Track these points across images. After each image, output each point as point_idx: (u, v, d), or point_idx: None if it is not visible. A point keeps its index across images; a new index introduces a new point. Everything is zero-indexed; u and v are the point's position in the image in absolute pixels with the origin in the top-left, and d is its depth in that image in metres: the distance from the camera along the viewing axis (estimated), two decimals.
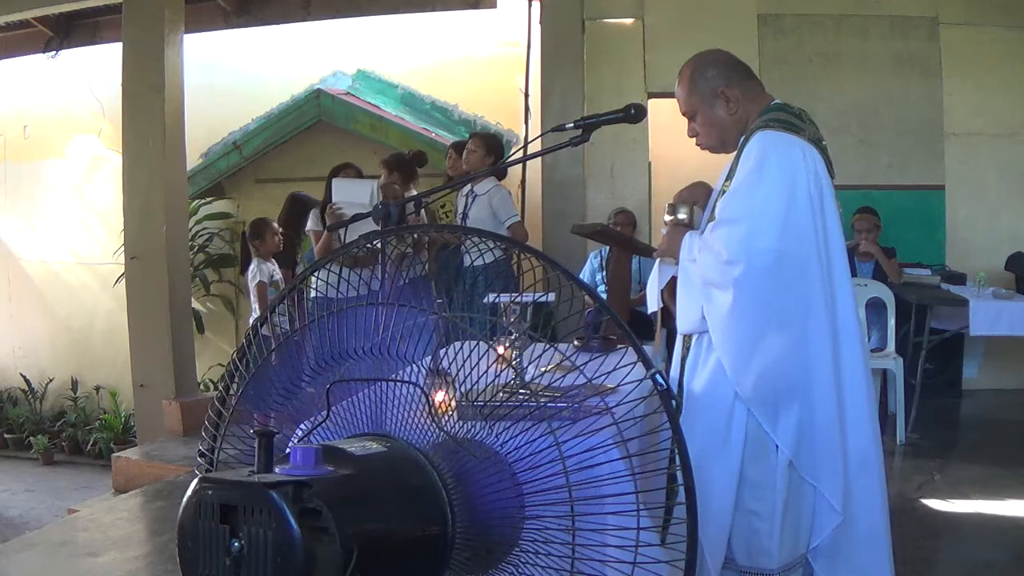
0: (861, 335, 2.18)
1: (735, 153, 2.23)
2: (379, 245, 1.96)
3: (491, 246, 1.69)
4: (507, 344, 2.08)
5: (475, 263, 4.35)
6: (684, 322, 2.23)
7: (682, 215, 2.29)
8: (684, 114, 2.31)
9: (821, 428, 2.08)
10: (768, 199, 2.06)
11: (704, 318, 2.14)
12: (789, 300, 2.05)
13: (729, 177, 2.20)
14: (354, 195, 4.78)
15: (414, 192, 5.63)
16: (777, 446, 2.10)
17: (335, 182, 4.99)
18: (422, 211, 5.21)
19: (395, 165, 5.43)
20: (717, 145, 2.30)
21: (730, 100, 2.22)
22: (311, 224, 5.21)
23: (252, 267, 5.58)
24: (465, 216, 5.16)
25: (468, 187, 5.18)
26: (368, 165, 5.67)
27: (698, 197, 2.34)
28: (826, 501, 2.10)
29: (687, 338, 2.28)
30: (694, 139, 2.32)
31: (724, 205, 2.14)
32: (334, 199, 4.87)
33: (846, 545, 2.13)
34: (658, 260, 2.35)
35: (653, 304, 2.39)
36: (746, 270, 2.03)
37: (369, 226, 2.02)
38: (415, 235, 4.17)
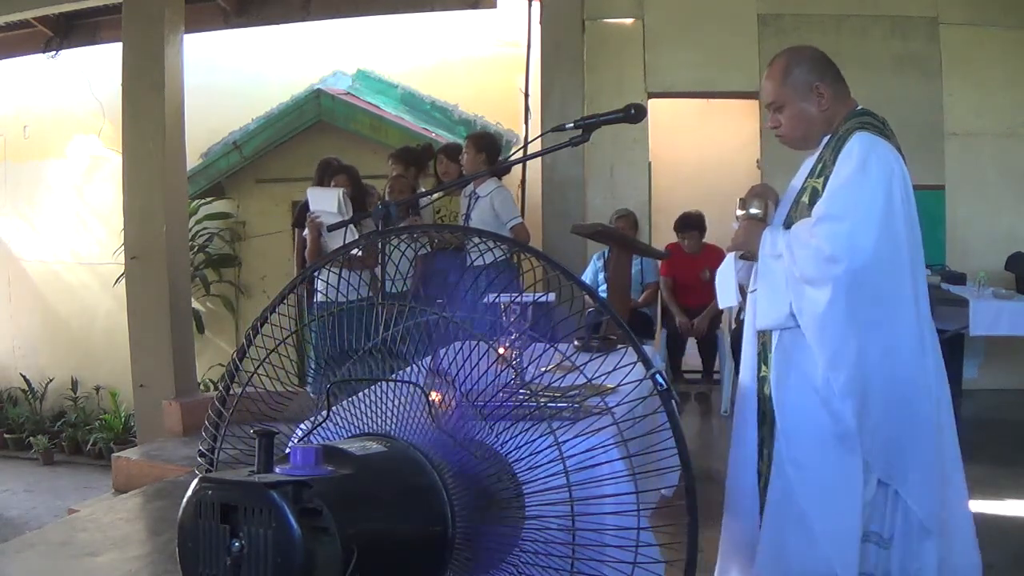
0: (937, 342, 2.19)
1: (817, 151, 2.24)
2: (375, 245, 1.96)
3: (491, 246, 1.69)
4: (507, 344, 2.08)
5: (475, 263, 4.34)
6: (766, 318, 2.21)
7: (755, 210, 2.27)
8: (768, 105, 2.29)
9: (920, 440, 2.07)
10: (870, 199, 2.07)
11: (791, 315, 2.13)
12: (884, 301, 2.07)
13: (814, 175, 2.21)
14: (324, 203, 4.91)
15: (422, 186, 5.67)
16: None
17: (309, 191, 5.14)
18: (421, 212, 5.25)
19: (409, 159, 5.53)
20: (800, 139, 2.29)
21: (823, 96, 2.23)
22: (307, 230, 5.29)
23: None
24: (467, 217, 5.14)
25: (471, 188, 5.16)
26: (368, 165, 5.67)
27: (768, 194, 2.33)
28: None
29: (763, 335, 2.25)
30: (774, 129, 2.30)
31: (827, 201, 2.13)
32: (311, 208, 5.01)
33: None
34: (731, 254, 2.33)
35: (731, 299, 2.37)
36: (848, 267, 2.04)
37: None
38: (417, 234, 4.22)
